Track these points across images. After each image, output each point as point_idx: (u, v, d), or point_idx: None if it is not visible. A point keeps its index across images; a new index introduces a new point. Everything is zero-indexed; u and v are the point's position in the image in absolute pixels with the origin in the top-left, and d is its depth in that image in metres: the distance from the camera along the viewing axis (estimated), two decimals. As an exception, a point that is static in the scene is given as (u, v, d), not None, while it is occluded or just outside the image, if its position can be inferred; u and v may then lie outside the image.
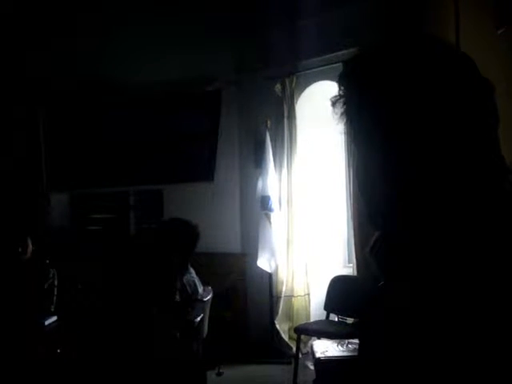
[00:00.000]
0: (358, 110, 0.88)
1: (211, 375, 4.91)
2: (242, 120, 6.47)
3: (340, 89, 0.92)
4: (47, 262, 4.68)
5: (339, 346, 4.29)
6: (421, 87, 0.81)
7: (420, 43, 0.86)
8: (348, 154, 5.46)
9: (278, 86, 5.95)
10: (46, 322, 4.26)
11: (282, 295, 5.88)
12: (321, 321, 5.37)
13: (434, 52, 0.84)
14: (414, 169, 0.80)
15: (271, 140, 5.92)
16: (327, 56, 5.61)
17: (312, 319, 5.68)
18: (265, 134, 5.93)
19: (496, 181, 0.81)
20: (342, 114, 0.92)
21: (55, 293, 4.56)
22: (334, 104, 0.92)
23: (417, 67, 0.82)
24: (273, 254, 5.80)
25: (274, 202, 5.82)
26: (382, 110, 0.83)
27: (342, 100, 0.92)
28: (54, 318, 4.36)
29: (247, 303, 6.32)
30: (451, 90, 0.80)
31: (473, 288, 0.78)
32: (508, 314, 0.73)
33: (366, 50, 0.91)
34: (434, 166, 0.79)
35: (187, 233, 3.98)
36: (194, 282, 3.91)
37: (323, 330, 5.03)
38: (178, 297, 3.78)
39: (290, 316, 5.86)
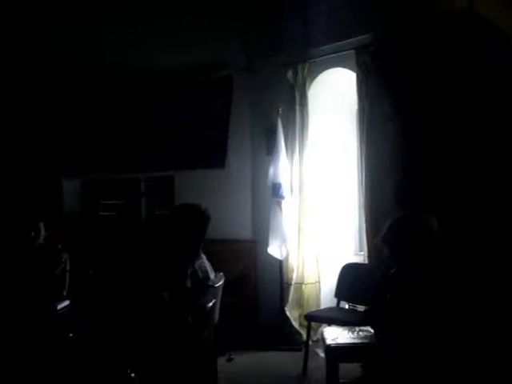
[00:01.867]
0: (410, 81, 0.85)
1: (222, 361, 4.92)
2: (253, 107, 6.46)
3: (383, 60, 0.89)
4: (59, 246, 4.70)
5: (350, 334, 4.28)
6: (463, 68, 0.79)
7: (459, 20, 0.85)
8: (360, 141, 5.44)
9: (289, 73, 5.93)
10: (59, 307, 4.29)
11: (293, 282, 5.89)
12: (331, 308, 5.38)
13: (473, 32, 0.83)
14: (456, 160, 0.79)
15: (283, 127, 5.91)
16: (339, 43, 5.57)
17: (322, 306, 5.69)
18: (276, 121, 5.91)
19: None
20: (380, 86, 0.89)
21: (67, 278, 4.60)
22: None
23: (459, 46, 0.81)
24: (284, 241, 5.81)
25: (285, 190, 5.82)
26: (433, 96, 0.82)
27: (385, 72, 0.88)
28: (67, 303, 4.39)
29: (258, 290, 6.34)
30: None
31: (495, 280, 0.77)
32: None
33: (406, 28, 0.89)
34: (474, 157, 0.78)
35: (197, 217, 3.97)
36: (205, 267, 3.91)
37: (334, 317, 5.03)
38: (189, 282, 3.79)
39: (300, 303, 5.87)
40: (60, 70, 6.74)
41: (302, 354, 5.26)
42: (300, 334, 5.74)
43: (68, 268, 4.63)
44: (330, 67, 5.85)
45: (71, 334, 3.89)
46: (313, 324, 5.42)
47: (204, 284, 3.86)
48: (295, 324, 5.84)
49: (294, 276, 5.89)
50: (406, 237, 2.98)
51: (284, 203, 5.84)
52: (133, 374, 3.25)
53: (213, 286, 3.96)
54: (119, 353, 3.36)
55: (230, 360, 5.36)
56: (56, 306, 4.28)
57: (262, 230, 6.11)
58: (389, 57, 4.80)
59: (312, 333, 5.46)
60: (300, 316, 5.79)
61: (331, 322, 4.93)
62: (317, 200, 5.92)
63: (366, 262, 5.38)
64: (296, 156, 5.89)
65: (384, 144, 5.12)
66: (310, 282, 5.84)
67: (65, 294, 4.51)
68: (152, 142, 6.93)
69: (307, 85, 5.91)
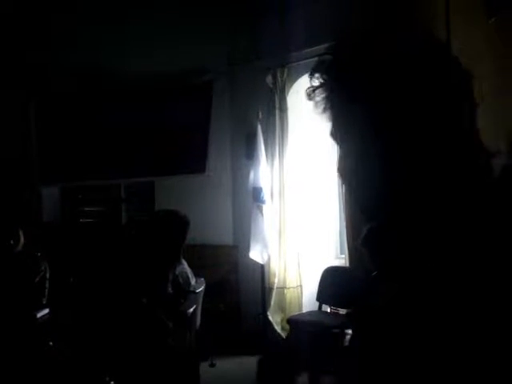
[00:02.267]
0: (351, 102, 0.88)
1: (204, 366, 4.90)
2: (233, 112, 6.45)
3: (323, 80, 0.92)
4: (39, 254, 4.66)
5: (331, 337, 4.29)
6: (405, 81, 0.82)
7: (403, 35, 0.87)
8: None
9: (269, 78, 5.94)
10: (38, 315, 4.25)
11: (275, 287, 5.89)
12: (313, 312, 5.39)
13: (415, 44, 0.85)
14: (403, 164, 0.82)
15: (263, 131, 5.91)
16: (318, 47, 5.59)
17: (304, 310, 5.69)
18: (256, 126, 5.91)
19: (475, 170, 0.82)
20: (325, 107, 0.92)
21: (47, 285, 4.55)
22: (310, 96, 0.92)
23: (399, 58, 0.84)
24: (265, 246, 5.80)
25: (265, 194, 5.81)
26: (375, 104, 0.84)
27: (324, 93, 0.92)
28: (46, 311, 4.35)
29: (239, 295, 6.33)
30: (433, 82, 0.82)
31: (463, 279, 0.78)
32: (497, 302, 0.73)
33: (347, 41, 0.93)
34: (422, 160, 0.80)
35: (177, 223, 3.97)
36: (186, 273, 3.90)
37: (316, 321, 5.04)
38: (170, 288, 3.78)
39: (282, 307, 5.86)
40: (38, 76, 6.70)
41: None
42: (282, 339, 5.73)
43: (47, 276, 4.58)
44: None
45: (51, 342, 3.85)
46: (295, 328, 5.42)
47: (185, 290, 3.85)
48: (277, 328, 5.83)
49: (276, 280, 5.88)
50: (385, 239, 3.00)
51: (265, 207, 5.83)
52: (112, 382, 3.22)
53: (194, 292, 3.95)
54: (98, 360, 3.33)
55: (212, 365, 5.34)
56: (35, 314, 4.23)
57: (243, 235, 6.10)
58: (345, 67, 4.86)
59: (294, 337, 5.45)
60: (282, 320, 5.78)
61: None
62: (297, 204, 5.93)
63: (347, 265, 5.39)
64: (276, 160, 5.90)
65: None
66: (291, 286, 5.84)
67: (44, 301, 4.47)
68: (132, 148, 6.90)
69: (287, 89, 5.92)
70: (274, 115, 5.90)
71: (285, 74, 5.89)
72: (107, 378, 3.20)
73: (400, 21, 0.92)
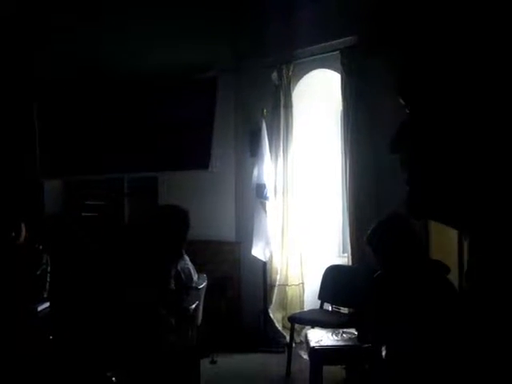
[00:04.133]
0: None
1: (205, 363, 4.89)
2: (238, 108, 6.43)
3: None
4: (40, 247, 4.64)
5: (333, 336, 4.27)
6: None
7: None
8: (345, 143, 5.44)
9: (274, 75, 5.91)
10: (39, 308, 4.23)
11: (276, 284, 5.87)
12: (315, 310, 5.37)
13: None
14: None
15: (267, 128, 5.89)
16: (324, 44, 5.57)
17: (306, 308, 5.67)
18: (261, 123, 5.89)
19: None
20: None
21: (48, 279, 4.53)
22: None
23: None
24: (267, 243, 5.79)
25: (269, 191, 5.80)
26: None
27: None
28: (47, 304, 4.33)
29: (241, 292, 6.31)
30: None
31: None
32: None
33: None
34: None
35: (178, 218, 3.95)
36: (188, 269, 3.88)
37: (317, 319, 5.02)
38: (172, 284, 3.76)
39: (283, 305, 5.85)
40: (43, 70, 6.68)
41: (285, 356, 5.24)
42: (283, 336, 5.72)
43: (49, 269, 4.57)
44: (315, 68, 5.85)
45: (51, 337, 3.83)
46: (296, 326, 5.40)
47: (187, 286, 3.83)
48: (279, 326, 5.82)
49: (278, 277, 5.87)
50: (391, 238, 2.98)
51: (268, 204, 5.81)
52: (114, 378, 3.21)
53: (196, 288, 3.93)
54: (100, 355, 3.32)
55: (213, 362, 5.32)
56: (36, 308, 4.21)
57: (245, 232, 6.09)
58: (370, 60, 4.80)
59: (295, 335, 5.43)
60: (284, 318, 5.77)
61: (315, 324, 4.91)
62: (301, 201, 5.90)
63: (350, 263, 5.37)
64: (280, 157, 5.88)
65: (368, 146, 5.13)
66: (293, 283, 5.82)
67: (45, 295, 4.45)
68: (136, 143, 6.88)
69: (292, 86, 5.90)
70: (279, 112, 5.87)
71: (290, 71, 5.86)
72: (109, 374, 3.19)
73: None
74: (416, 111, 0.72)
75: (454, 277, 2.90)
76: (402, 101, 0.74)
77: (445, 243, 4.44)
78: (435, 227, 4.46)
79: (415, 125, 0.72)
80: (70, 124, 7.21)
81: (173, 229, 3.93)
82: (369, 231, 3.05)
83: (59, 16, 6.38)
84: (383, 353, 3.21)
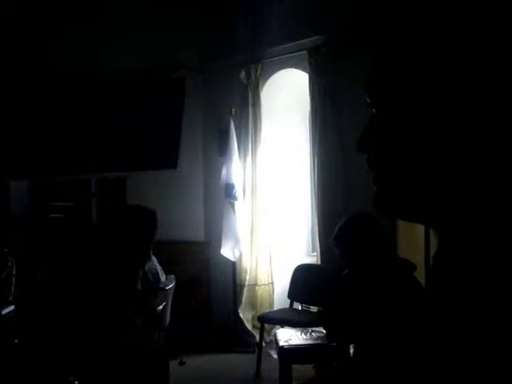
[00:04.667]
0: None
1: (174, 364, 4.86)
2: (206, 108, 6.42)
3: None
4: (5, 250, 4.57)
5: (302, 335, 4.28)
6: None
7: None
8: (313, 142, 5.46)
9: (242, 74, 5.91)
10: (4, 312, 4.16)
11: (246, 284, 5.87)
12: (284, 309, 5.38)
13: None
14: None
15: (236, 128, 5.88)
16: (292, 44, 5.58)
17: (276, 308, 5.68)
18: (229, 122, 5.88)
19: None
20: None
21: (13, 282, 4.46)
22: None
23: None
24: (237, 243, 5.78)
25: (238, 190, 5.79)
26: None
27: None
28: (12, 308, 4.26)
29: (211, 292, 6.29)
30: None
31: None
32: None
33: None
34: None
35: (145, 219, 3.92)
36: (155, 270, 3.86)
37: (287, 319, 5.03)
38: (139, 285, 3.73)
39: (253, 305, 5.85)
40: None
41: (255, 355, 5.24)
42: (253, 336, 5.72)
43: (14, 272, 4.49)
44: (283, 68, 5.86)
45: (16, 340, 3.77)
46: (266, 325, 5.41)
47: (154, 287, 3.80)
48: (248, 326, 5.82)
49: (248, 277, 5.87)
50: (357, 236, 2.99)
51: (237, 204, 5.80)
52: (76, 382, 3.16)
53: (163, 289, 3.91)
54: (63, 358, 3.27)
55: (182, 363, 5.29)
56: (1, 312, 4.14)
57: (214, 231, 6.08)
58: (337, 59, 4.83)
59: (265, 334, 5.44)
60: (253, 317, 5.77)
61: (284, 323, 4.92)
62: (270, 201, 5.91)
63: (319, 262, 5.39)
64: (249, 157, 5.88)
65: (336, 145, 5.16)
66: (263, 283, 5.83)
67: (10, 298, 4.37)
68: (103, 143, 6.80)
69: (260, 85, 5.90)
70: (247, 111, 5.87)
71: (258, 70, 5.87)
72: (71, 378, 3.14)
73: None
74: (383, 110, 0.72)
75: (421, 273, 2.92)
76: (368, 100, 0.74)
77: (412, 240, 4.48)
78: (403, 224, 4.50)
79: (382, 124, 0.72)
80: (36, 123, 7.09)
81: (140, 230, 3.90)
82: (335, 230, 3.05)
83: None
84: (351, 351, 3.23)
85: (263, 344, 5.30)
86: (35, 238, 6.44)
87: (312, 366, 4.57)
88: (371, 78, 0.74)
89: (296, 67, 5.70)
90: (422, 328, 0.75)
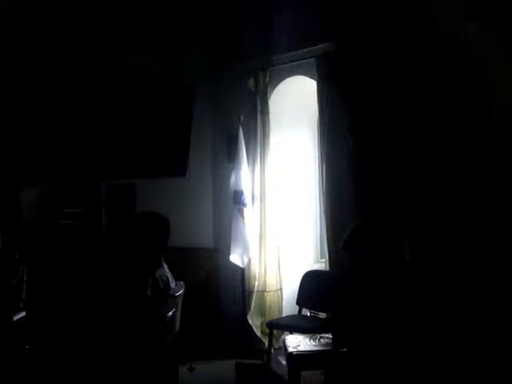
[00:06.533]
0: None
1: (183, 370, 4.87)
2: (215, 115, 6.45)
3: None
4: (16, 257, 4.60)
5: (311, 341, 4.29)
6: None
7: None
8: (321, 149, 5.47)
9: (251, 81, 5.94)
10: (15, 318, 4.20)
11: (255, 290, 5.88)
12: (293, 316, 5.39)
13: None
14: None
15: (244, 135, 5.90)
16: (301, 51, 5.61)
17: (284, 314, 5.69)
18: (238, 129, 5.90)
19: None
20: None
21: (24, 288, 4.50)
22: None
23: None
24: (245, 249, 5.79)
25: (247, 197, 5.80)
26: None
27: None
28: (23, 314, 4.29)
29: (220, 298, 6.31)
30: None
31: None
32: None
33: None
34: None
35: (157, 225, 3.94)
36: (166, 276, 3.88)
37: (295, 325, 5.04)
38: (149, 292, 3.75)
39: (262, 311, 5.85)
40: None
41: (264, 362, 5.25)
42: (262, 342, 5.72)
43: (25, 279, 4.53)
44: (292, 75, 5.88)
45: (27, 346, 3.80)
46: (275, 332, 5.42)
47: (165, 293, 3.82)
48: (257, 332, 5.82)
49: (256, 284, 5.87)
50: (366, 241, 3.00)
51: (246, 211, 5.82)
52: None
53: (173, 296, 3.93)
54: (74, 364, 3.30)
55: (191, 369, 5.30)
56: (12, 317, 4.17)
57: (223, 238, 6.09)
58: (346, 66, 4.88)
59: (274, 340, 5.45)
60: (262, 324, 5.78)
61: (293, 329, 4.93)
62: (278, 207, 5.93)
63: (327, 269, 5.40)
64: (257, 163, 5.90)
65: (344, 152, 5.17)
66: (271, 289, 5.83)
67: (21, 305, 4.41)
68: (113, 150, 6.84)
69: (268, 92, 5.93)
70: (256, 118, 5.90)
71: (267, 78, 5.89)
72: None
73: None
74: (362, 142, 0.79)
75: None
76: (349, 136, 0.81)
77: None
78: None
79: (362, 154, 0.79)
80: (48, 131, 7.14)
81: (153, 237, 3.92)
82: (344, 238, 3.07)
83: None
84: (360, 356, 3.24)
85: (272, 350, 5.31)
86: (46, 245, 6.48)
87: (321, 372, 4.58)
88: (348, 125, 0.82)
89: (304, 74, 5.72)
90: (433, 332, 0.78)
